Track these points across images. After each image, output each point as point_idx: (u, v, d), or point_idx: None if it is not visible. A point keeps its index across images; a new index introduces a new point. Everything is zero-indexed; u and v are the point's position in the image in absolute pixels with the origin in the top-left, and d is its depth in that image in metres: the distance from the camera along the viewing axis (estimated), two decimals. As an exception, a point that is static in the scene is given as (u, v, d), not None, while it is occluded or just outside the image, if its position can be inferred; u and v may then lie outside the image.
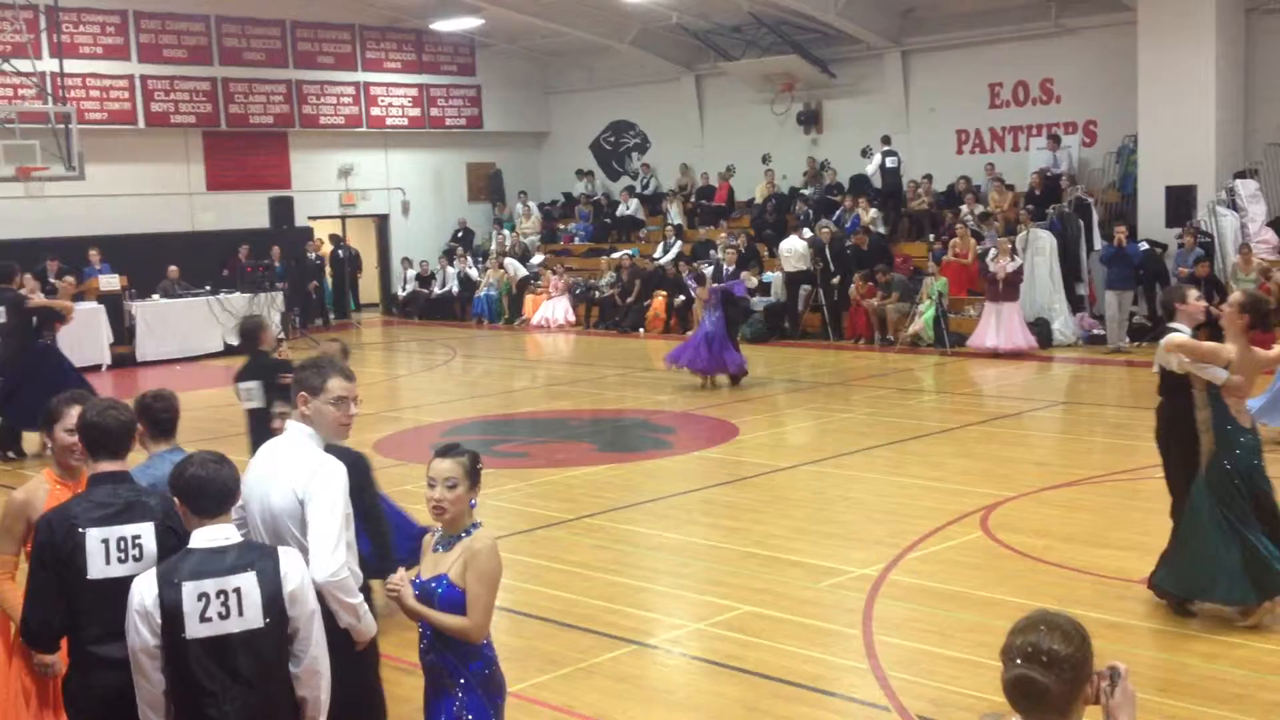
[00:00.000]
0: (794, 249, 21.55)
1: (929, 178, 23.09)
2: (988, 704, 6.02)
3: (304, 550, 4.21)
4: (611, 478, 11.44)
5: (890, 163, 23.23)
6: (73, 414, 4.72)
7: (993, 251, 18.85)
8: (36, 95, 21.64)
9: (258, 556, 3.95)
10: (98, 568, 4.14)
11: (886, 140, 23.35)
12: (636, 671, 6.70)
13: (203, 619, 3.80)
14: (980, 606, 7.52)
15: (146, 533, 4.22)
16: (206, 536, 3.92)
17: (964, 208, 21.67)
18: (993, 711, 5.69)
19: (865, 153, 24.04)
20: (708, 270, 18.06)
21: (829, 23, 23.29)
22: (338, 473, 4.37)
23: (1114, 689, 2.77)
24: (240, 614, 3.84)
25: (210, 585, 3.83)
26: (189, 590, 3.82)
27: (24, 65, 21.10)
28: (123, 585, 4.06)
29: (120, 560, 4.16)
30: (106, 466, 4.33)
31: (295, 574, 3.96)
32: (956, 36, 23.31)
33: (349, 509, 4.41)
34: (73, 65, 22.47)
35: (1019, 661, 2.74)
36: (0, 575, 4.70)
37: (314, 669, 3.99)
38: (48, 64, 21.88)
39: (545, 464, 12.15)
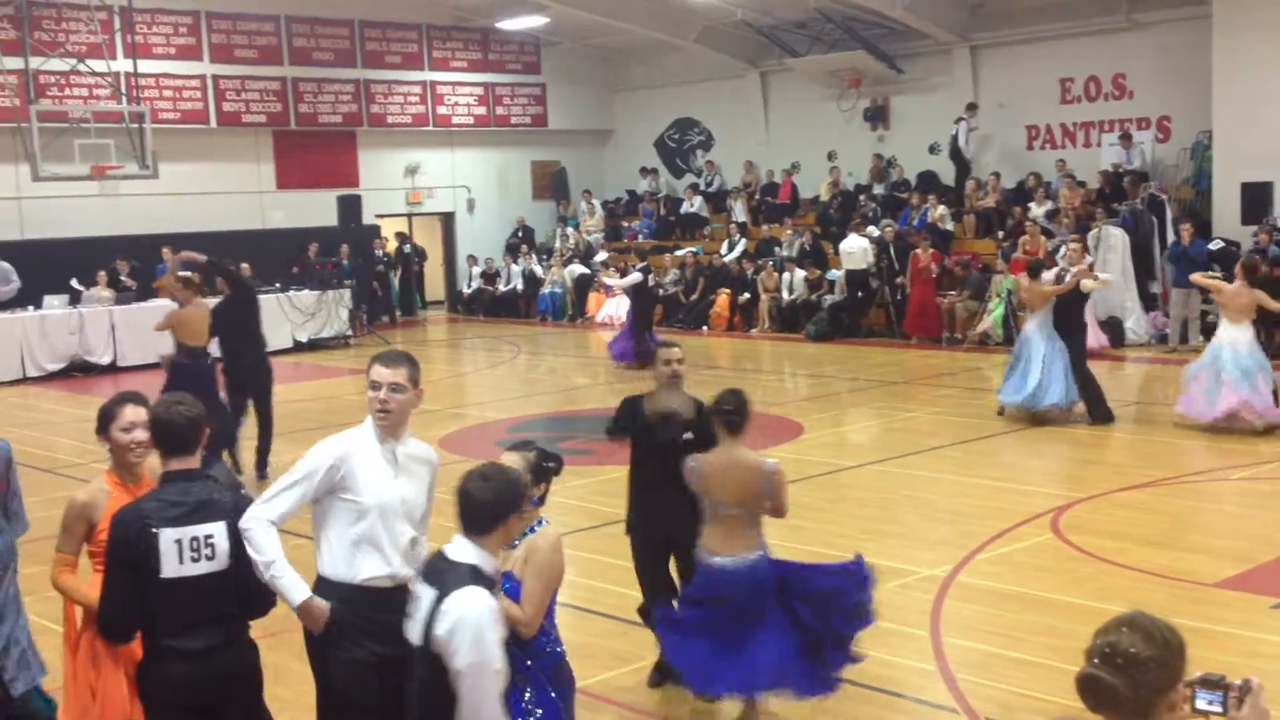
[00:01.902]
0: (855, 247, 21.37)
1: (997, 175, 22.82)
2: (1058, 708, 5.94)
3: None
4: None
5: (957, 130, 22.91)
6: (127, 412, 4.78)
7: (1063, 249, 18.56)
8: (111, 95, 22.03)
9: (451, 581, 3.77)
10: (171, 567, 4.20)
11: (971, 108, 23.10)
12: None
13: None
14: (1051, 609, 7.41)
15: (219, 532, 4.27)
16: (460, 545, 3.91)
17: (1034, 204, 21.39)
18: (1064, 715, 5.62)
19: (933, 149, 23.81)
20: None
21: (896, 18, 23.08)
22: (319, 448, 4.47)
23: (1241, 703, 2.68)
24: (413, 628, 3.87)
25: (422, 590, 3.88)
26: (419, 587, 3.93)
27: (99, 66, 21.50)
28: (196, 583, 4.20)
29: (194, 559, 4.22)
30: (177, 464, 4.36)
31: (450, 618, 3.69)
32: (1027, 31, 23.01)
33: (314, 488, 4.42)
34: (146, 65, 22.84)
35: (1095, 661, 2.69)
36: (59, 569, 4.75)
37: None
38: (122, 64, 22.27)
39: (609, 461, 12.10)
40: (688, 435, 6.24)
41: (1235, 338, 12.04)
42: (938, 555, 8.57)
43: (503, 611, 4.14)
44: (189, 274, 12.48)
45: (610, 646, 7.01)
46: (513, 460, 4.36)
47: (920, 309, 20.31)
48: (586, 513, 10.05)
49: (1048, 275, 13.34)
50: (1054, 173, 22.22)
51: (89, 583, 4.67)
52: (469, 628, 3.63)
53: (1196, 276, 13.72)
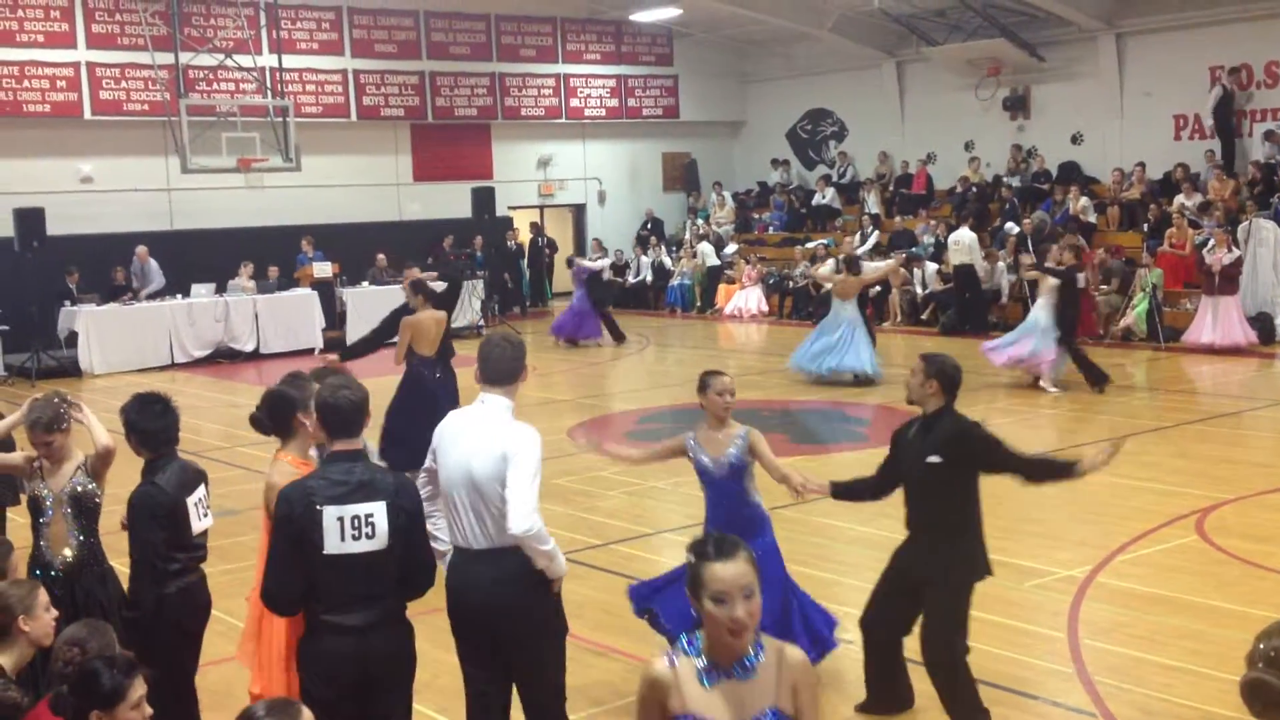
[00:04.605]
0: (961, 240, 20.85)
1: (1142, 165, 22.14)
2: (1201, 714, 5.77)
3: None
4: (804, 469, 11.26)
5: (1215, 93, 21.57)
6: None
7: (1211, 242, 17.95)
8: (257, 90, 22.66)
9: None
10: (333, 544, 4.34)
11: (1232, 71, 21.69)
12: (831, 665, 6.57)
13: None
14: (1195, 613, 7.17)
15: (379, 511, 4.39)
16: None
17: (1181, 196, 20.71)
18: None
19: (1076, 139, 23.13)
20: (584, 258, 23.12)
21: (1038, 5, 22.52)
22: (537, 439, 4.81)
23: None
24: None
25: None
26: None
27: (245, 61, 22.13)
28: (356, 561, 4.34)
29: (354, 538, 4.36)
30: (342, 445, 4.51)
31: None
32: (1175, 18, 22.24)
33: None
34: (290, 61, 23.44)
35: (1260, 665, 2.60)
36: None
37: None
38: (267, 60, 22.89)
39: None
40: (934, 459, 5.68)
41: None
42: (1076, 555, 8.35)
43: None
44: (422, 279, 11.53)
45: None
46: (738, 574, 3.16)
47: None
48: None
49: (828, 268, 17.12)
50: (1203, 164, 21.48)
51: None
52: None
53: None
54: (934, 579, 5.66)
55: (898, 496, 5.98)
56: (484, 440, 4.75)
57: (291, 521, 4.35)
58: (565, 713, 5.00)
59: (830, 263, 16.80)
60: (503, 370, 4.93)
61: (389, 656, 4.45)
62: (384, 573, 4.40)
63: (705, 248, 26.51)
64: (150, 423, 5.26)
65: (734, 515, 6.14)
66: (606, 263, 22.51)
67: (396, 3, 25.49)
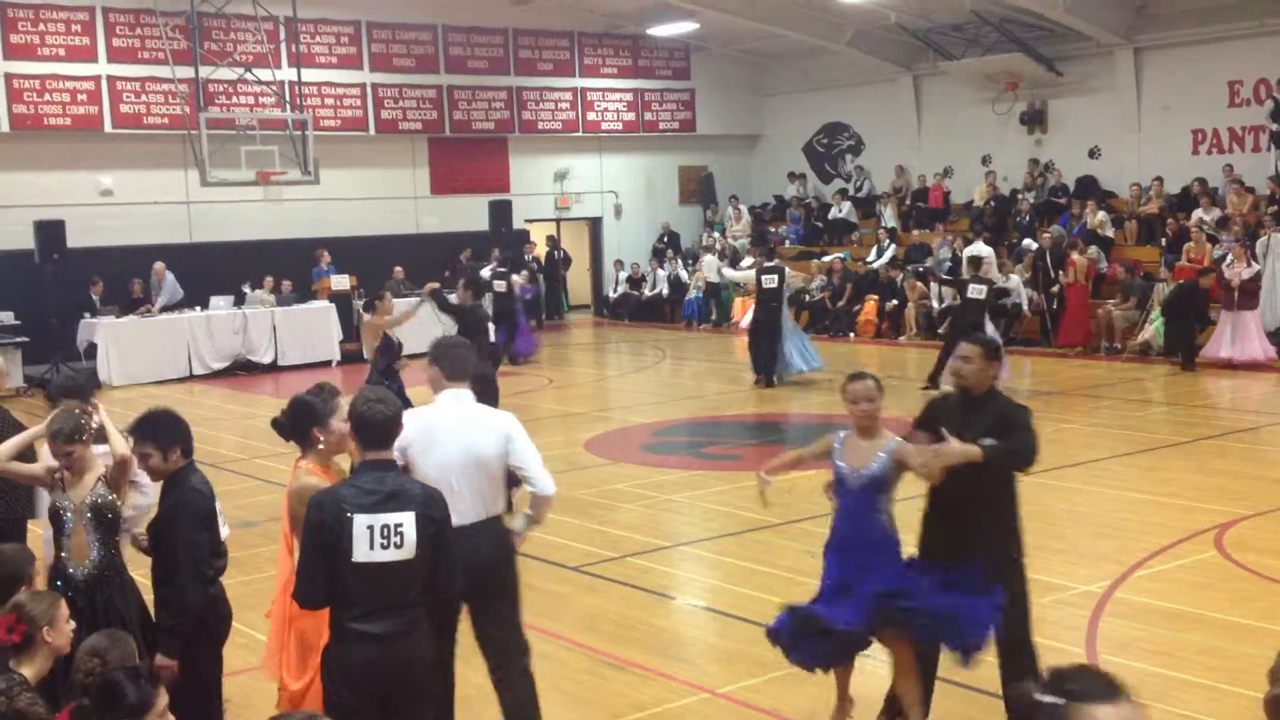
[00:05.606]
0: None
1: (1159, 179, 22.09)
2: (1222, 732, 5.72)
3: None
4: (821, 483, 11.28)
5: (1269, 106, 21.12)
6: (345, 404, 5.06)
7: (1229, 257, 17.89)
8: (276, 103, 22.78)
9: None
10: (362, 552, 4.40)
11: None
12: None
13: None
14: (1214, 628, 7.14)
15: (408, 521, 4.45)
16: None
17: (1199, 211, 20.65)
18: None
19: (1093, 154, 23.08)
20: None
21: (1056, 19, 22.51)
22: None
23: None
24: None
25: None
26: None
27: (265, 75, 22.25)
28: (384, 570, 4.40)
29: (383, 546, 4.42)
30: (373, 456, 4.59)
31: None
32: (1193, 33, 22.19)
33: None
34: (309, 74, 23.54)
35: None
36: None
37: None
38: (286, 74, 23.00)
39: (754, 467, 12.04)
40: (989, 441, 5.45)
41: None
42: (1095, 571, 8.32)
43: None
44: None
45: (754, 653, 6.96)
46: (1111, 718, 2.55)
47: (1076, 318, 19.74)
48: (733, 518, 10.00)
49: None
50: (1221, 178, 21.42)
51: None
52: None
53: None
54: (994, 561, 5.50)
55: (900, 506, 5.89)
56: (483, 426, 5.42)
57: (323, 529, 4.42)
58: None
59: (748, 260, 17.84)
60: (466, 368, 5.58)
61: (414, 665, 4.50)
62: (411, 582, 4.47)
63: (710, 260, 26.38)
64: (165, 434, 5.35)
65: (859, 533, 5.77)
66: (487, 271, 21.51)
67: (415, 17, 25.59)
